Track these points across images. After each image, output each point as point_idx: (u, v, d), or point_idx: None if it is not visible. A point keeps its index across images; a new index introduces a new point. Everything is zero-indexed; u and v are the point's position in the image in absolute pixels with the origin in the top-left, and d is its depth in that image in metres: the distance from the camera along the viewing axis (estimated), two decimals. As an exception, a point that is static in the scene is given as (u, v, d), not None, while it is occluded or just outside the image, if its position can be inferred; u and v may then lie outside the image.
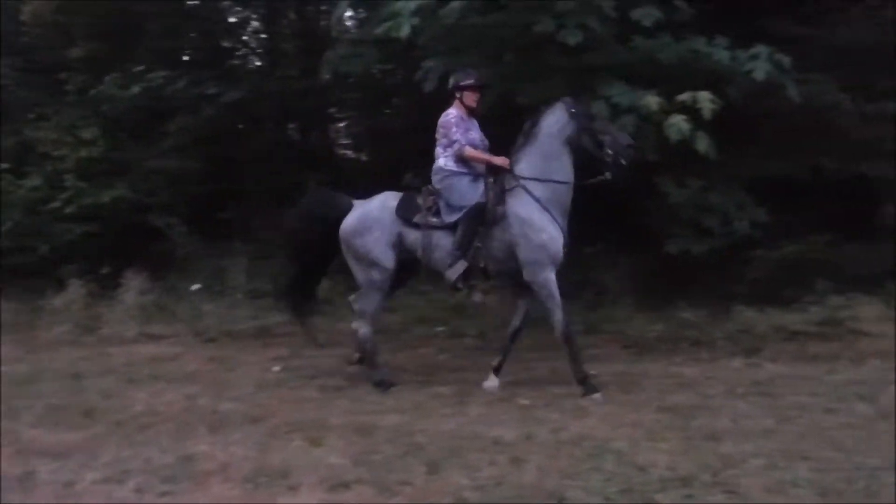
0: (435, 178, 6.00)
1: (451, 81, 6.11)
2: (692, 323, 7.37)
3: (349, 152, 14.52)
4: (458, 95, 6.05)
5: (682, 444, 4.37)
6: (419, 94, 7.98)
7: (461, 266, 5.77)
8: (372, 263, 5.97)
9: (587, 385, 5.56)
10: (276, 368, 6.79)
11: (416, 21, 6.57)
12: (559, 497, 3.72)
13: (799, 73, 7.12)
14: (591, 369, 6.37)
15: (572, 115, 5.78)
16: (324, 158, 12.64)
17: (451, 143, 5.93)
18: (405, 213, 5.95)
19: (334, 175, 11.47)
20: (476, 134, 6.06)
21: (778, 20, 7.68)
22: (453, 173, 5.93)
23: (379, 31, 6.83)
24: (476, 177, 5.94)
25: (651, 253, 7.90)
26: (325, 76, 8.90)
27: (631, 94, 6.74)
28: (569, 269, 7.98)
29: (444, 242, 5.83)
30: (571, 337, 5.71)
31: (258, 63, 13.58)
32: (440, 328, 7.63)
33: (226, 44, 13.17)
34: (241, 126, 12.01)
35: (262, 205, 10.70)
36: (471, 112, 6.05)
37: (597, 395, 5.46)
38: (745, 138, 7.72)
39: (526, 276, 5.75)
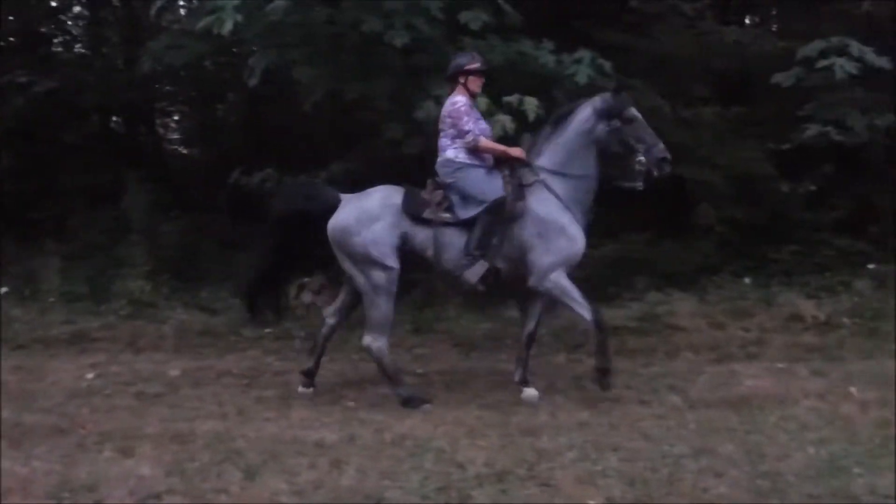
0: (444, 171, 5.54)
1: (454, 65, 5.65)
2: (519, 321, 7.55)
3: (180, 148, 14.04)
4: (461, 80, 5.60)
5: (500, 441, 4.49)
6: (251, 90, 7.80)
7: (482, 267, 5.33)
8: (373, 264, 5.37)
9: (603, 380, 5.33)
10: (90, 376, 6.42)
11: (239, 17, 6.37)
12: (377, 498, 3.72)
13: (620, 78, 7.49)
14: (419, 368, 6.52)
15: (604, 114, 5.42)
16: (150, 154, 12.12)
17: (460, 134, 5.49)
18: (412, 208, 5.42)
19: (161, 171, 11.05)
20: (484, 123, 5.74)
21: (603, 28, 8.04)
22: (465, 165, 5.50)
23: (201, 25, 6.58)
24: (490, 169, 5.57)
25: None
26: (146, 67, 8.48)
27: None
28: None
29: (456, 241, 5.38)
30: (604, 328, 5.37)
31: (81, 51, 12.83)
32: (268, 330, 7.48)
33: (44, 29, 12.32)
34: (57, 118, 11.26)
35: (79, 203, 10.11)
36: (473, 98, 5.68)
37: (608, 392, 5.33)
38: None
39: (532, 280, 5.39)
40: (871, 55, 6.97)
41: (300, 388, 5.72)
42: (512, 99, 6.57)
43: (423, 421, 4.95)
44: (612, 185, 5.57)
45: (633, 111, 5.46)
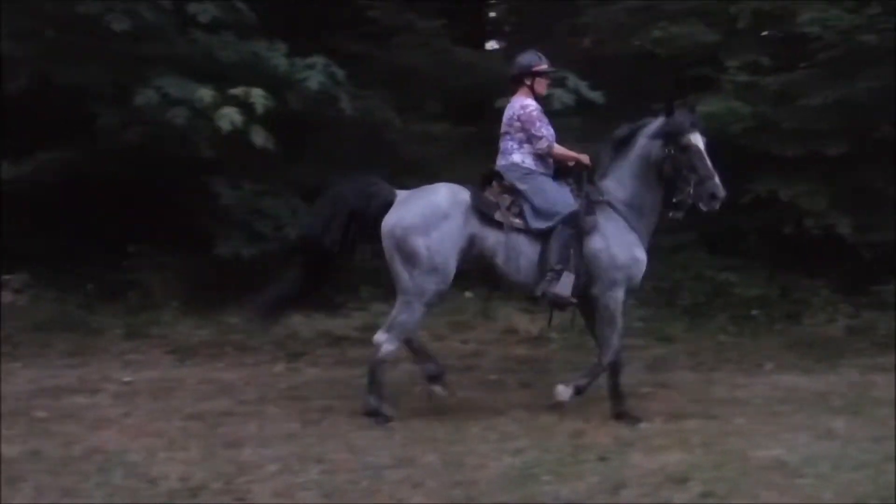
0: (512, 175, 5.20)
1: (520, 65, 5.39)
2: (240, 328, 7.41)
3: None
4: (528, 82, 5.36)
5: (201, 454, 4.32)
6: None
7: (569, 279, 5.00)
8: (432, 269, 4.99)
9: (627, 419, 5.09)
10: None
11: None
12: (54, 518, 3.46)
13: (355, 88, 7.61)
14: (128, 376, 6.15)
15: (660, 137, 5.18)
16: None
17: (531, 139, 5.24)
18: (484, 208, 5.06)
19: None
20: (551, 128, 5.36)
21: (340, 35, 8.13)
22: (533, 172, 5.23)
23: None
24: (555, 179, 5.30)
25: (201, 255, 7.80)
26: None
27: (184, 86, 6.62)
28: (110, 270, 7.62)
29: (526, 250, 5.08)
30: (618, 369, 5.22)
31: None
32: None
33: None
34: None
35: None
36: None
37: (642, 425, 5.01)
38: (303, 146, 8.03)
39: (596, 291, 5.18)
40: (585, 89, 7.60)
41: (438, 390, 5.39)
42: (238, 91, 6.44)
43: (120, 433, 4.68)
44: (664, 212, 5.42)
45: (691, 139, 5.17)
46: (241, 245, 7.50)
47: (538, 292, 5.10)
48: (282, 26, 7.76)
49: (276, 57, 6.99)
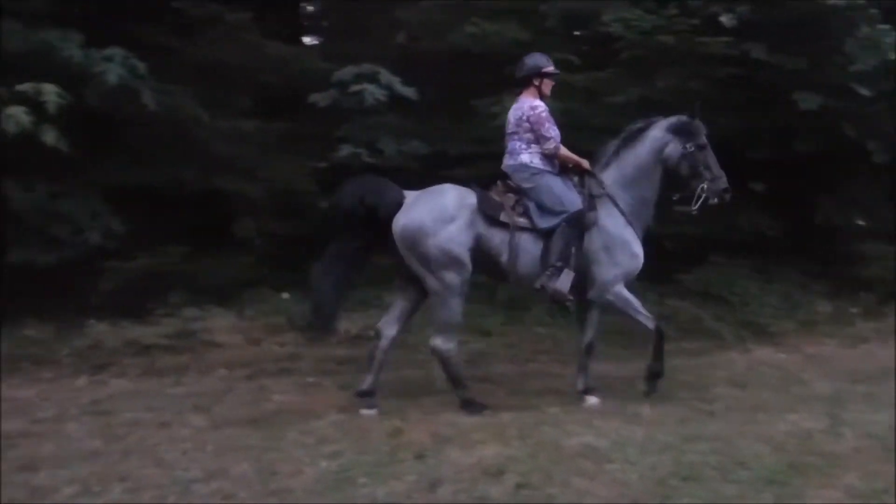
0: (520, 176, 5.45)
1: (530, 66, 5.61)
2: (37, 340, 6.92)
3: None
4: (536, 83, 5.58)
5: (-11, 479, 4.00)
6: None
7: (568, 276, 5.27)
8: (450, 263, 5.20)
9: (652, 383, 5.62)
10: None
11: None
12: None
13: (160, 82, 7.25)
14: None
15: (681, 135, 5.58)
16: None
17: (540, 139, 5.47)
18: (489, 210, 5.29)
19: None
20: (557, 129, 5.57)
21: (142, 26, 7.71)
22: (542, 171, 5.46)
23: None
24: (563, 178, 5.53)
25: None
26: None
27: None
28: None
29: (531, 248, 5.33)
30: (662, 334, 5.62)
31: None
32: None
33: None
34: None
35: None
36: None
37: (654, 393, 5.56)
38: (105, 144, 7.58)
39: (593, 293, 5.54)
40: (398, 84, 7.63)
41: (363, 410, 5.33)
42: (26, 87, 5.98)
43: None
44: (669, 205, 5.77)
45: (705, 138, 5.64)
46: (37, 252, 6.95)
47: (537, 285, 5.38)
48: (76, 14, 7.28)
49: (71, 48, 6.54)
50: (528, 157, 5.54)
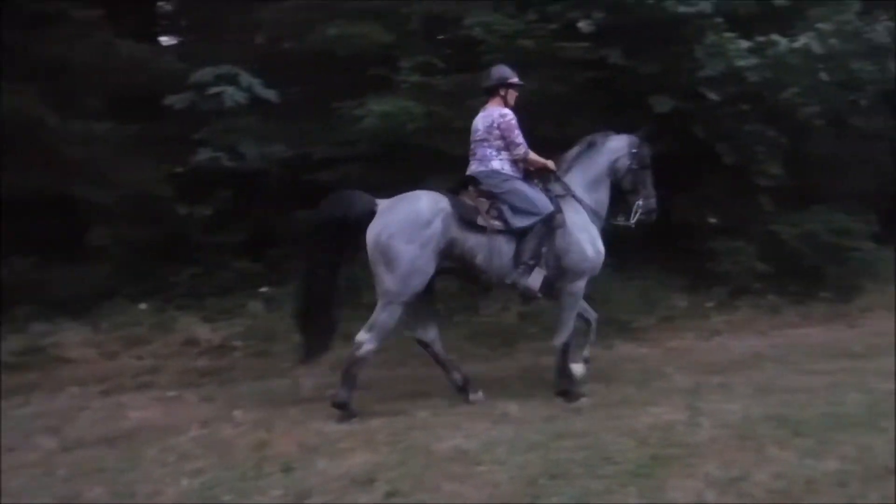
0: (491, 182, 5.67)
1: (498, 77, 5.94)
2: None
3: None
4: (502, 93, 5.91)
5: None
6: None
7: (540, 274, 5.59)
8: (413, 271, 5.31)
9: (569, 394, 5.68)
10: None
11: None
12: None
13: (2, 81, 6.82)
14: None
15: (630, 153, 6.09)
16: None
17: (509, 146, 5.76)
18: (464, 214, 5.46)
19: None
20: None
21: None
22: (512, 177, 5.74)
23: None
24: (529, 182, 5.82)
25: None
26: None
27: None
28: None
29: (505, 248, 5.56)
30: (568, 350, 5.84)
31: None
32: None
33: None
34: None
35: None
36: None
37: (584, 399, 5.61)
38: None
39: (565, 282, 5.80)
40: (259, 86, 7.44)
41: (472, 397, 5.67)
42: None
43: None
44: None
45: (649, 160, 6.17)
46: None
47: (508, 281, 5.62)
48: None
49: None
50: (499, 163, 5.79)
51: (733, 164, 8.89)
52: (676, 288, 8.86)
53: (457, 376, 5.78)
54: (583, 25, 7.70)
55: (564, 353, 5.87)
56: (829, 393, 5.79)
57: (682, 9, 7.67)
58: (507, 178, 5.76)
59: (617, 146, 6.16)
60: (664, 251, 9.16)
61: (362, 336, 5.41)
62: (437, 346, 5.81)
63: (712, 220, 9.12)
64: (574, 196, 5.94)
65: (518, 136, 5.81)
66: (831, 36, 8.51)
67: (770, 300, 8.99)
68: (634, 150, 6.13)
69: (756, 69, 8.30)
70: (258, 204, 9.33)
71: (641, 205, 6.15)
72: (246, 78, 7.41)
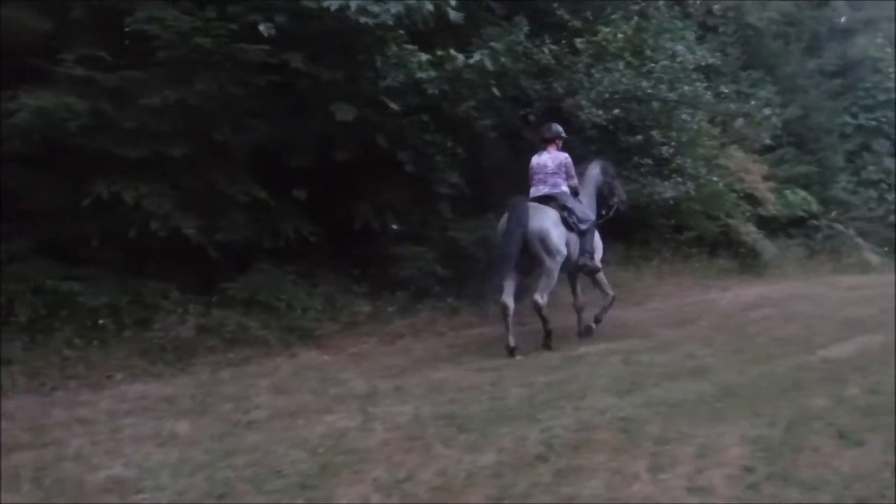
0: (565, 198, 8.24)
1: (557, 131, 8.52)
2: None
3: None
4: (557, 142, 8.48)
5: None
6: None
7: (595, 258, 8.42)
8: (559, 251, 7.87)
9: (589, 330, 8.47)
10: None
11: None
12: None
13: None
14: None
15: (604, 174, 9.12)
16: None
17: (570, 178, 8.41)
18: (565, 219, 8.09)
19: None
20: None
21: None
22: (572, 197, 8.39)
23: None
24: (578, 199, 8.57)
25: None
26: None
27: None
28: None
29: (577, 241, 8.18)
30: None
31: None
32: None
33: None
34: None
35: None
36: None
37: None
38: None
39: (581, 262, 8.28)
40: None
41: (518, 357, 7.49)
42: None
43: None
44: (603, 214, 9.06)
45: (614, 173, 9.52)
46: None
47: (580, 262, 8.26)
48: None
49: None
50: (566, 187, 8.34)
51: (414, 173, 9.20)
52: (360, 294, 8.98)
53: (514, 337, 7.67)
54: (263, 28, 7.54)
55: (606, 308, 8.66)
56: (495, 389, 6.18)
57: (364, 19, 7.76)
58: (570, 197, 8.32)
59: (596, 171, 9.06)
60: (349, 258, 9.27)
61: (539, 298, 7.68)
62: (511, 313, 7.72)
63: (395, 227, 9.36)
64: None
65: (573, 171, 8.44)
66: (503, 55, 9.11)
67: (449, 303, 9.40)
68: (607, 171, 9.18)
69: (434, 82, 8.66)
70: None
71: (619, 202, 9.19)
72: None
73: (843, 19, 25.95)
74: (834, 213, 19.40)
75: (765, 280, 14.52)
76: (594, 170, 9.02)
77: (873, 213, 21.50)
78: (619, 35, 11.27)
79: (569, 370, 6.80)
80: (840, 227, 18.93)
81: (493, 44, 9.04)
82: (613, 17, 11.49)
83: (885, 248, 20.32)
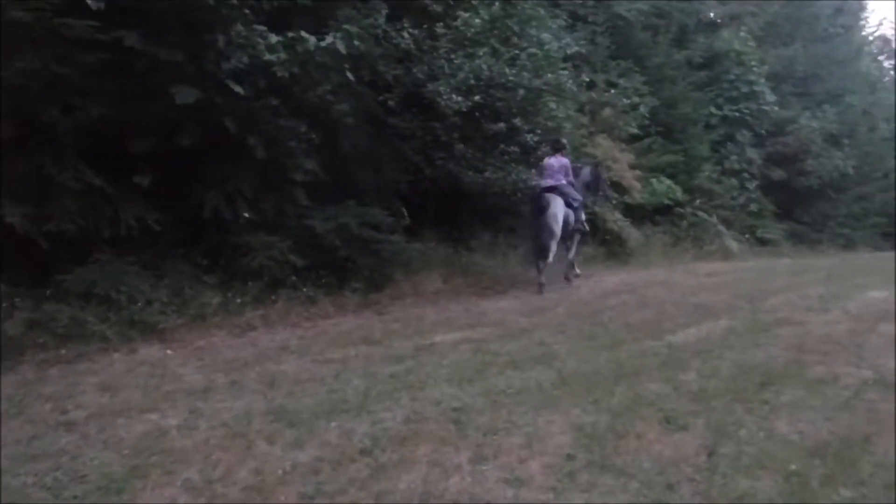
0: (565, 189, 11.61)
1: (562, 143, 12.07)
2: None
3: None
4: (563, 151, 11.93)
5: None
6: None
7: (584, 225, 12.46)
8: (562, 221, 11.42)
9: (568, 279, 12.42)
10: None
11: None
12: None
13: None
14: None
15: (594, 174, 12.97)
16: None
17: (567, 175, 11.79)
18: (567, 201, 11.59)
19: None
20: None
21: None
22: (570, 187, 11.83)
23: None
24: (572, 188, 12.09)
25: None
26: None
27: None
28: None
29: (573, 214, 11.72)
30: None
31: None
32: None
33: None
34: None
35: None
36: None
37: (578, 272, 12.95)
38: None
39: (575, 227, 11.99)
40: None
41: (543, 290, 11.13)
42: None
43: None
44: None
45: (599, 173, 13.28)
46: None
47: (575, 227, 11.87)
48: None
49: None
50: (566, 181, 11.67)
51: (266, 159, 8.89)
52: (210, 285, 8.61)
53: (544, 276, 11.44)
54: (91, 2, 7.08)
55: (572, 265, 12.56)
56: (335, 380, 6.03)
57: (205, -3, 7.44)
58: (568, 187, 11.63)
59: (585, 172, 12.63)
60: (198, 248, 8.91)
61: (571, 255, 12.38)
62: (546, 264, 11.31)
63: (246, 215, 9.02)
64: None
65: (571, 171, 11.85)
66: (357, 38, 8.89)
67: (305, 292, 9.17)
68: (592, 173, 12.81)
69: (284, 64, 8.39)
70: None
71: (602, 194, 13.42)
72: None
73: (711, 14, 26.92)
74: (698, 202, 20.11)
75: (629, 267, 14.90)
76: (584, 171, 12.77)
77: (735, 201, 22.43)
78: (477, 21, 11.25)
79: (416, 360, 6.70)
80: (704, 215, 19.63)
81: (346, 26, 8.81)
82: (473, 2, 11.45)
83: (746, 236, 21.22)
